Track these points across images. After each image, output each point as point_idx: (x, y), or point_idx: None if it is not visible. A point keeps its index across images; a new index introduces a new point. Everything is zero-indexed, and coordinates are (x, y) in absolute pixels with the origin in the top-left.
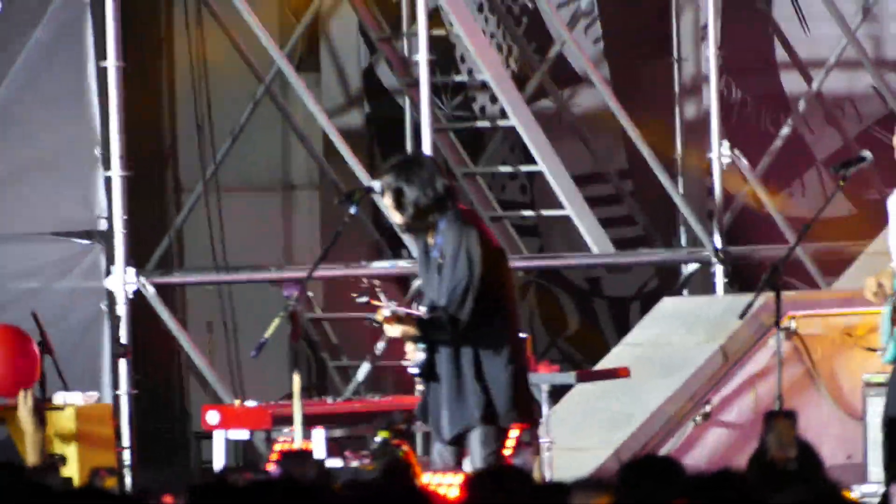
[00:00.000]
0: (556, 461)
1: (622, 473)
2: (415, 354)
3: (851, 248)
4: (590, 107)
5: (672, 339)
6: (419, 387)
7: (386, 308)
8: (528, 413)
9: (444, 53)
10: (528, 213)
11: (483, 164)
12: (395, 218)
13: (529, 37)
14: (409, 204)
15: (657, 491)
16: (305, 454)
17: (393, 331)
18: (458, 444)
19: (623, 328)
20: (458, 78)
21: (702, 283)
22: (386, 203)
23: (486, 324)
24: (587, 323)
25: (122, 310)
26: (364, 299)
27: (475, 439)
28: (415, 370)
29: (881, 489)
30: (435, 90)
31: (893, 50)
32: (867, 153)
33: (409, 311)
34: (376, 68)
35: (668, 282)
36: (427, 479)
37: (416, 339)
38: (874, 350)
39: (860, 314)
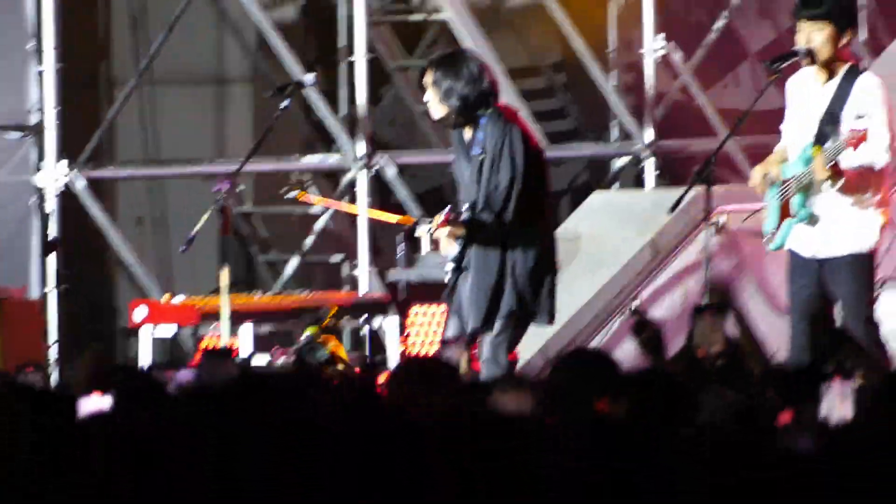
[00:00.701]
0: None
1: (551, 369)
2: (449, 248)
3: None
4: (527, 0)
5: (601, 234)
6: (449, 277)
7: (438, 216)
8: (551, 315)
9: None
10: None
11: (418, 56)
12: (438, 111)
13: None
14: (457, 98)
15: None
16: (227, 352)
17: (442, 232)
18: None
19: (555, 222)
20: None
21: (633, 178)
22: (430, 97)
23: (524, 223)
24: None
25: (51, 204)
26: (294, 193)
27: (496, 333)
28: (450, 264)
29: None
30: None
31: None
32: (800, 47)
33: (454, 213)
34: None
35: (599, 176)
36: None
37: (461, 238)
38: (765, 236)
39: None
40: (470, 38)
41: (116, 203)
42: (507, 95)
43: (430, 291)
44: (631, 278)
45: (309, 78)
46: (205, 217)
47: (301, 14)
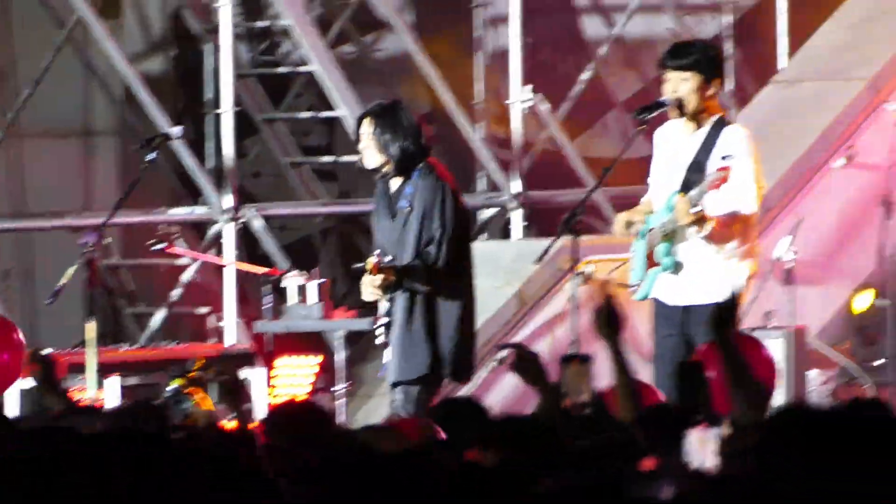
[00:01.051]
0: (353, 406)
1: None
2: (372, 295)
3: None
4: (394, 52)
5: None
6: (381, 336)
7: (372, 256)
8: (468, 373)
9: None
10: (327, 158)
11: (284, 109)
12: (374, 160)
13: None
14: (397, 149)
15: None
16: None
17: (375, 280)
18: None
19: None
20: (260, 23)
21: (500, 229)
22: (367, 145)
23: (450, 279)
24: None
25: None
26: (161, 246)
27: (410, 391)
28: (383, 319)
29: None
30: (242, 36)
31: None
32: (667, 98)
33: (388, 259)
34: (183, 13)
35: None
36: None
37: (392, 287)
38: (626, 286)
39: None
40: (336, 90)
41: None
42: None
43: (297, 342)
44: (499, 328)
45: (175, 130)
46: (71, 270)
47: (168, 67)
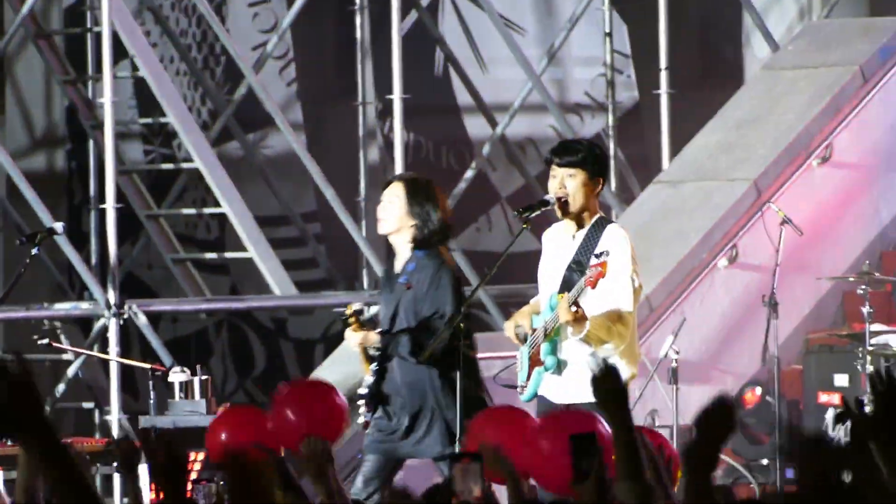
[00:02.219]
0: None
1: None
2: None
3: (534, 291)
4: (281, 149)
5: (355, 381)
6: (363, 411)
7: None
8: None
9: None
10: (211, 255)
11: (168, 205)
12: (395, 224)
13: (226, 77)
14: (426, 221)
15: None
16: None
17: (356, 337)
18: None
19: (309, 369)
20: (143, 121)
21: None
22: (393, 208)
23: (452, 356)
24: (274, 364)
25: None
26: (45, 341)
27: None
28: (363, 390)
29: None
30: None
31: (576, 93)
32: (550, 196)
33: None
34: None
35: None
36: None
37: (373, 352)
38: (514, 387)
39: None
40: (219, 187)
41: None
42: (258, 244)
43: (182, 437)
44: None
45: (58, 226)
46: None
47: (54, 163)
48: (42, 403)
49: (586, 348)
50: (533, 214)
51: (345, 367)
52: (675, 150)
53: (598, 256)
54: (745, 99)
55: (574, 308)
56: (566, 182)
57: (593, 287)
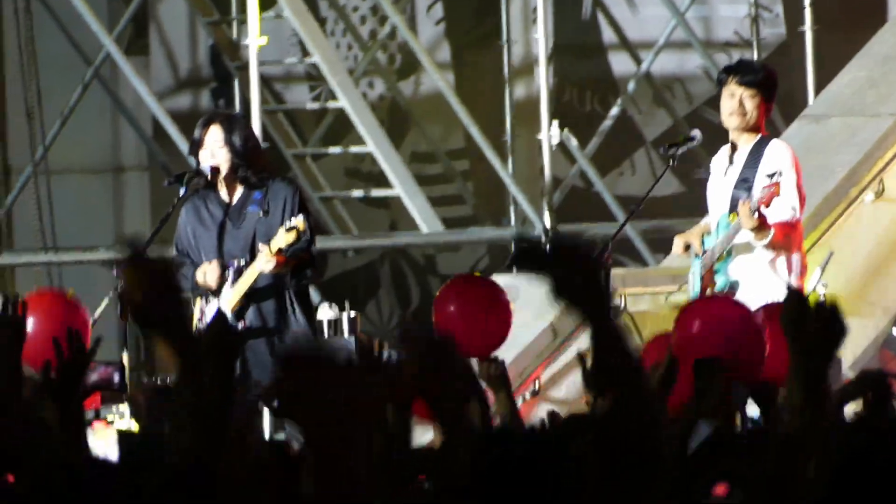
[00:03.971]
0: None
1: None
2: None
3: (680, 226)
4: (430, 87)
5: None
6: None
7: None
8: None
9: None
10: (357, 192)
11: (313, 145)
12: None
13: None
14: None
15: None
16: None
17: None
18: None
19: None
20: (288, 60)
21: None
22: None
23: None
24: (426, 300)
25: None
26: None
27: None
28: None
29: None
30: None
31: (722, 31)
32: (696, 133)
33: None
34: (215, 50)
35: (500, 261)
36: None
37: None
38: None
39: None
40: (364, 126)
41: (14, 290)
42: (404, 182)
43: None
44: (531, 360)
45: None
46: (104, 302)
47: (197, 103)
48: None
49: (758, 268)
50: (679, 151)
51: None
52: (821, 86)
53: (770, 177)
54: (889, 35)
55: (756, 215)
56: (745, 101)
57: (767, 206)
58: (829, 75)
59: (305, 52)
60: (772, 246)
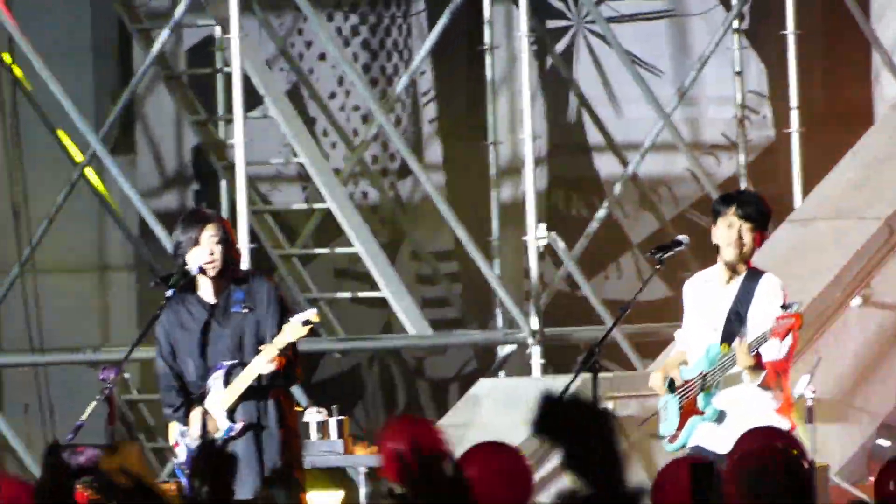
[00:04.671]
0: None
1: None
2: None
3: (667, 330)
4: (412, 192)
5: (488, 421)
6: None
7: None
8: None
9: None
10: (344, 294)
11: (300, 246)
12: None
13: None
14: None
15: None
16: None
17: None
18: None
19: (444, 408)
20: (275, 161)
21: (519, 366)
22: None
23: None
24: (412, 403)
25: None
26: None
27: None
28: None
29: None
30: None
31: (709, 133)
32: (684, 237)
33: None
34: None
35: (487, 364)
36: None
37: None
38: (661, 437)
39: None
40: (350, 227)
41: (2, 390)
42: (391, 284)
43: (319, 478)
44: None
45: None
46: (91, 406)
47: (183, 202)
48: None
49: (748, 399)
50: (666, 255)
51: (479, 408)
52: (808, 189)
53: (783, 308)
54: (876, 137)
55: (753, 354)
56: (744, 234)
57: (782, 339)
58: (817, 178)
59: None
60: (764, 384)
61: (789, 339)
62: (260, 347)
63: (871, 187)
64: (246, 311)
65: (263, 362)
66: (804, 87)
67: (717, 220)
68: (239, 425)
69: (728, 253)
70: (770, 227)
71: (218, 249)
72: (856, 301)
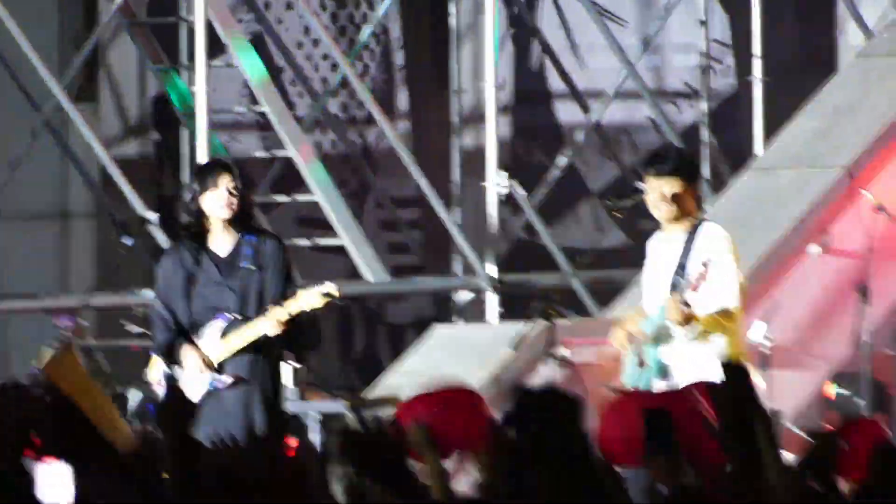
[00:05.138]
0: None
1: None
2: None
3: (625, 277)
4: (374, 139)
5: (443, 368)
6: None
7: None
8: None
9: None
10: (303, 241)
11: (261, 193)
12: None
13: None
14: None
15: None
16: None
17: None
18: None
19: (400, 355)
20: (237, 109)
21: (479, 313)
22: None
23: None
24: (368, 350)
25: None
26: (139, 330)
27: None
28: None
29: None
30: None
31: (674, 81)
32: (642, 185)
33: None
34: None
35: (447, 311)
36: None
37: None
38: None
39: None
40: (311, 174)
41: None
42: (351, 230)
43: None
44: None
45: (152, 216)
46: (46, 352)
47: (145, 150)
48: None
49: (692, 352)
50: (625, 204)
51: (434, 355)
52: (770, 137)
53: (704, 265)
54: (839, 87)
55: (683, 307)
56: (665, 190)
57: (695, 290)
58: (779, 127)
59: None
60: (704, 336)
61: (734, 281)
62: (267, 307)
63: (832, 136)
64: (253, 268)
65: (269, 324)
66: (768, 37)
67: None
68: (228, 379)
69: (657, 213)
70: (731, 176)
71: (234, 199)
72: (814, 249)
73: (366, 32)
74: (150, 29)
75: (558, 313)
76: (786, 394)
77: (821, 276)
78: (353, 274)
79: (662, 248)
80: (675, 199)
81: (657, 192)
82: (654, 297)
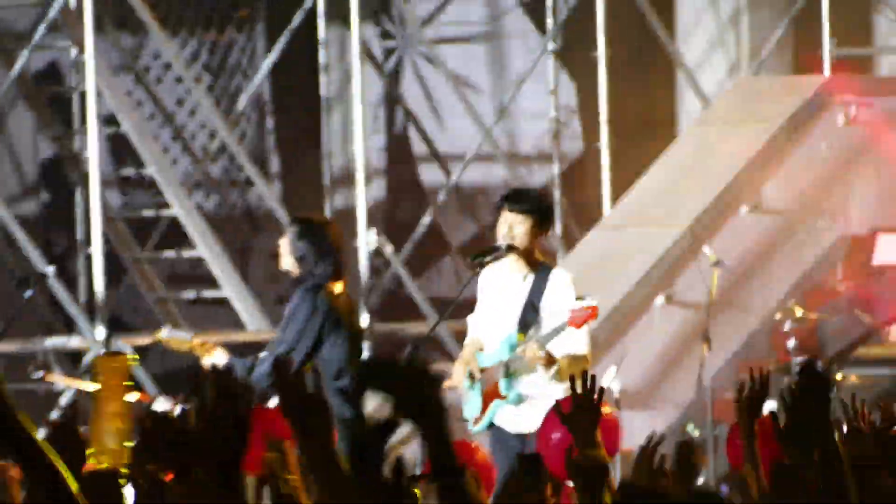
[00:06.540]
0: None
1: None
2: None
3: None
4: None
5: None
6: None
7: None
8: None
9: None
10: (189, 293)
11: (149, 249)
12: (286, 264)
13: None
14: (305, 265)
15: None
16: None
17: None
18: None
19: None
20: (124, 172)
21: None
22: (285, 247)
23: None
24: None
25: None
26: (39, 374)
27: None
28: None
29: None
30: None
31: (526, 145)
32: (501, 243)
33: None
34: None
35: None
36: None
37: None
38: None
39: None
40: (197, 232)
41: None
42: (232, 282)
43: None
44: None
45: (50, 269)
46: None
47: (44, 209)
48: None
49: (547, 383)
50: (486, 259)
51: None
52: (616, 197)
53: (581, 299)
54: (680, 150)
55: (542, 353)
56: (516, 227)
57: (579, 327)
58: (624, 187)
59: (119, 162)
60: (560, 376)
61: (586, 330)
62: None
63: (675, 196)
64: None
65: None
66: (613, 103)
67: (499, 218)
68: None
69: (507, 251)
70: (580, 233)
71: (285, 246)
72: (659, 300)
73: (242, 100)
74: (44, 98)
75: (425, 359)
76: (637, 434)
77: (666, 326)
78: (238, 324)
79: (507, 284)
80: (523, 236)
81: (507, 224)
82: (496, 330)
